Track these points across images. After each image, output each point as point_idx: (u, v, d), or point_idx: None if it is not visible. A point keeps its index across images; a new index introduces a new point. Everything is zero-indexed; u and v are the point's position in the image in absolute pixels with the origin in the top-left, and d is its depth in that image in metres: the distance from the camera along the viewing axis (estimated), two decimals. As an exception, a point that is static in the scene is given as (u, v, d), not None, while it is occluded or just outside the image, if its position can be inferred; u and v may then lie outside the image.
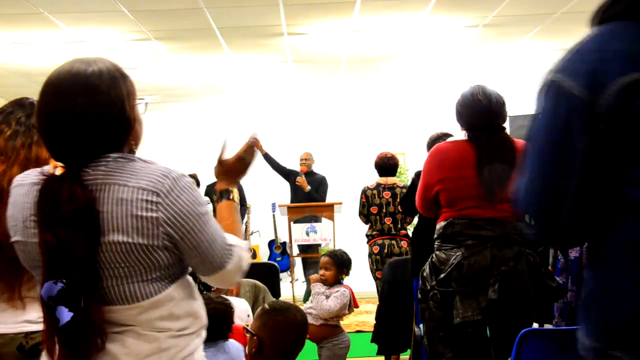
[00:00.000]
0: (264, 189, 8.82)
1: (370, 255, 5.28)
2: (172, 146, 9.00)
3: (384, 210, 5.26)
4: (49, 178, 1.36)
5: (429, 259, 2.97)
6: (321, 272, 3.75)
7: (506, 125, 9.04)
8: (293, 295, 6.62)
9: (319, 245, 6.74)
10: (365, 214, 5.34)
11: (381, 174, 5.37)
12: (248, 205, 8.49)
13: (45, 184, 1.35)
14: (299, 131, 9.04)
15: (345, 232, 7.53)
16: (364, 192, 5.35)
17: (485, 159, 2.82)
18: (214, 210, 6.15)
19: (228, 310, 2.58)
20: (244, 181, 6.72)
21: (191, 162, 8.60)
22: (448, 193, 2.88)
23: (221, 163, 1.77)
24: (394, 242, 5.20)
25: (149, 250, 1.34)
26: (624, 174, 1.15)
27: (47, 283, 1.31)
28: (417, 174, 4.06)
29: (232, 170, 1.77)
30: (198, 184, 7.10)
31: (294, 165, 7.46)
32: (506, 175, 2.83)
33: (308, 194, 7.07)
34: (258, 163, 6.62)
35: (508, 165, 2.83)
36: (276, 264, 4.88)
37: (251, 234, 8.61)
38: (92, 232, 1.31)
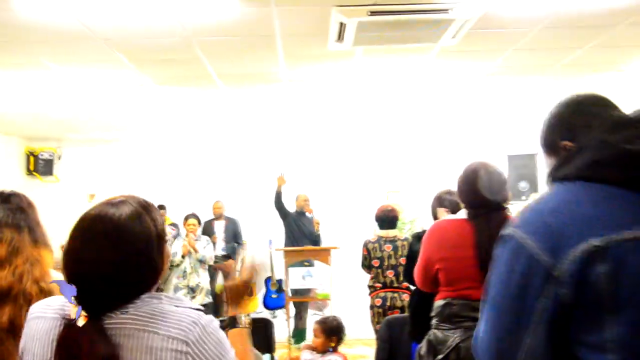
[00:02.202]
0: (261, 225, 8.77)
1: (372, 307, 5.26)
2: (173, 181, 8.97)
3: (386, 263, 5.25)
4: (69, 326, 1.30)
5: (426, 337, 2.93)
6: (312, 339, 3.72)
7: (505, 165, 8.92)
8: (289, 334, 6.57)
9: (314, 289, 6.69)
10: (367, 266, 5.33)
11: (381, 227, 5.37)
12: (244, 242, 8.44)
13: (65, 334, 1.30)
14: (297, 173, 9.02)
15: (342, 276, 7.47)
16: (365, 245, 5.36)
17: (484, 240, 2.79)
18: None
19: None
20: (241, 217, 6.74)
21: (190, 198, 8.58)
22: (447, 273, 2.86)
23: (227, 289, 1.74)
24: (396, 295, 5.19)
25: None
26: (579, 338, 1.15)
27: (63, 283, 1.29)
28: (415, 240, 4.04)
29: (236, 295, 1.73)
30: (199, 222, 7.06)
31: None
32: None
33: (316, 236, 7.35)
34: (255, 201, 6.58)
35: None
36: (271, 319, 4.84)
37: (247, 271, 8.54)
38: None
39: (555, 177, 1.28)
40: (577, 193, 1.20)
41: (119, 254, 1.31)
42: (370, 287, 5.35)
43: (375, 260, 5.28)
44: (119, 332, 1.29)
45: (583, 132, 1.33)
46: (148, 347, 1.28)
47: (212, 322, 1.36)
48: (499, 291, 1.23)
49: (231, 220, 8.19)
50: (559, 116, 1.48)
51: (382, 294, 5.23)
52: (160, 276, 1.40)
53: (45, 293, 1.95)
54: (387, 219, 5.36)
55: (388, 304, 5.18)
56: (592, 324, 1.13)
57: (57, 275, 2.15)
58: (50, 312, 1.36)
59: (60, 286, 1.34)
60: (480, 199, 2.87)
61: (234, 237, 8.12)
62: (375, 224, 5.52)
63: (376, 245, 5.31)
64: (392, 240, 5.31)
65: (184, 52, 4.84)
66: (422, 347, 2.93)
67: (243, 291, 1.74)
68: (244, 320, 1.69)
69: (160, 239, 1.39)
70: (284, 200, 7.57)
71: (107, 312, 1.31)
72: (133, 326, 1.30)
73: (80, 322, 1.30)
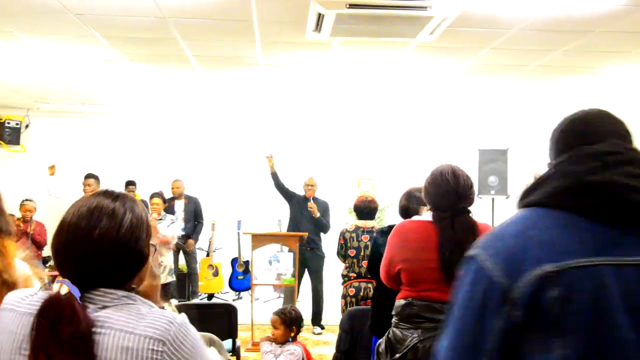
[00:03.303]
0: (230, 206, 8.75)
1: (344, 296, 5.21)
2: (143, 158, 8.86)
3: (362, 254, 5.21)
4: (52, 296, 1.30)
5: (386, 335, 2.97)
6: (271, 331, 3.72)
7: (475, 158, 8.96)
8: (252, 317, 6.59)
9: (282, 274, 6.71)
10: (342, 255, 5.32)
11: (360, 217, 5.33)
12: (213, 222, 8.41)
13: (46, 303, 1.30)
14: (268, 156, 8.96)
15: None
16: (342, 234, 5.32)
17: (447, 242, 2.83)
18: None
19: None
20: (205, 197, 6.71)
21: (161, 176, 8.50)
22: (409, 273, 2.89)
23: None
24: (370, 285, 5.16)
25: None
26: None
27: (69, 283, 1.30)
28: (379, 235, 4.05)
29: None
30: (165, 201, 7.01)
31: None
32: (467, 260, 2.85)
33: (316, 220, 7.11)
34: (226, 182, 6.50)
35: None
36: (235, 301, 4.86)
37: (214, 251, 8.53)
38: None
39: (522, 202, 1.32)
40: (537, 219, 1.25)
41: (109, 228, 1.34)
42: (344, 276, 5.32)
43: (352, 250, 5.24)
44: (95, 330, 1.29)
45: (565, 142, 1.39)
46: (124, 347, 1.28)
47: (186, 321, 1.37)
48: (460, 311, 1.26)
49: (191, 199, 8.17)
50: (550, 138, 1.49)
51: (355, 284, 5.19)
52: (146, 265, 1.43)
53: (8, 285, 1.92)
54: (367, 210, 5.33)
55: (361, 294, 5.15)
56: (540, 346, 1.17)
57: (23, 266, 2.12)
58: (24, 307, 1.35)
59: (69, 286, 1.34)
60: (445, 202, 2.89)
61: (194, 217, 8.10)
62: (352, 214, 5.49)
63: (353, 234, 5.27)
64: (370, 231, 5.28)
65: (159, 32, 4.76)
66: (381, 344, 2.97)
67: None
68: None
69: (148, 230, 1.42)
70: (283, 181, 7.47)
71: (88, 290, 1.32)
72: (109, 324, 1.30)
73: (64, 290, 1.31)
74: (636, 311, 1.16)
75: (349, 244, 5.26)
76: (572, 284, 1.16)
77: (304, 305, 6.74)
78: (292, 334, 3.71)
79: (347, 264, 5.30)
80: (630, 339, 1.15)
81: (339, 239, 5.34)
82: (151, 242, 1.56)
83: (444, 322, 1.34)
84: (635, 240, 1.20)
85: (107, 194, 1.41)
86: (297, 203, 7.38)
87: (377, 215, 8.56)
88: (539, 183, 1.31)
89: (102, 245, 1.33)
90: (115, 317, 1.30)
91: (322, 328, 7.24)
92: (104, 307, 1.31)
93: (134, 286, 1.41)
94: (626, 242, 1.20)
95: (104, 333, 1.28)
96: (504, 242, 1.24)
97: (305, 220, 7.18)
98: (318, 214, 7.15)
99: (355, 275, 5.23)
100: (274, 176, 7.42)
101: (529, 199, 1.31)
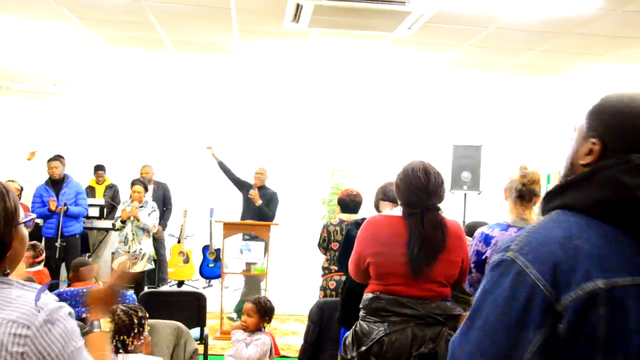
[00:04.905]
0: (203, 193, 8.70)
1: (324, 289, 5.17)
2: (115, 142, 8.75)
3: None
4: None
5: (353, 328, 2.99)
6: (243, 318, 3.71)
7: (449, 153, 9.01)
8: (221, 306, 6.58)
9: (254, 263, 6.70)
10: (324, 247, 5.30)
11: (344, 211, 5.31)
12: (185, 209, 8.36)
13: None
14: (241, 146, 8.91)
15: (278, 252, 7.51)
16: (325, 227, 5.29)
17: (416, 238, 2.85)
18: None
19: None
20: (178, 183, 6.63)
21: (132, 160, 8.41)
22: (377, 267, 2.91)
23: (91, 293, 1.71)
24: None
25: None
26: None
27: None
28: (353, 227, 4.06)
29: (102, 299, 1.71)
30: (146, 189, 6.93)
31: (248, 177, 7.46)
32: (434, 256, 2.89)
33: (259, 208, 7.08)
34: (199, 169, 6.45)
35: (437, 247, 2.89)
36: (205, 289, 4.84)
37: (185, 238, 8.48)
38: None
39: (554, 202, 1.26)
40: (585, 228, 1.19)
41: None
42: (324, 269, 5.27)
43: (335, 243, 5.18)
44: None
45: (613, 142, 1.24)
46: None
47: (61, 309, 1.33)
48: (494, 316, 1.19)
49: (160, 185, 8.09)
50: (601, 109, 1.29)
51: (337, 277, 5.13)
52: (9, 254, 1.37)
53: None
54: (352, 204, 5.30)
55: (342, 287, 5.15)
56: None
57: None
58: None
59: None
60: (416, 198, 2.91)
61: (162, 203, 8.03)
62: (326, 205, 5.48)
63: (337, 228, 5.23)
64: None
65: (135, 16, 4.70)
66: (348, 337, 3.00)
67: (109, 297, 1.72)
68: (103, 324, 1.65)
69: (7, 221, 1.35)
70: (233, 170, 7.43)
71: None
72: None
73: None
74: None
75: (332, 237, 5.23)
76: (620, 302, 1.13)
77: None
78: (265, 324, 3.73)
79: (329, 257, 5.29)
80: None
81: (322, 232, 5.31)
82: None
83: (465, 320, 1.24)
84: None
85: None
86: (247, 192, 7.38)
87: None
88: (574, 182, 1.24)
89: None
90: None
91: None
92: None
93: (7, 272, 1.37)
94: None
95: None
96: (548, 249, 1.18)
97: (252, 208, 7.17)
98: (259, 202, 7.11)
99: (336, 268, 5.21)
100: (221, 165, 7.40)
101: (563, 199, 1.25)
